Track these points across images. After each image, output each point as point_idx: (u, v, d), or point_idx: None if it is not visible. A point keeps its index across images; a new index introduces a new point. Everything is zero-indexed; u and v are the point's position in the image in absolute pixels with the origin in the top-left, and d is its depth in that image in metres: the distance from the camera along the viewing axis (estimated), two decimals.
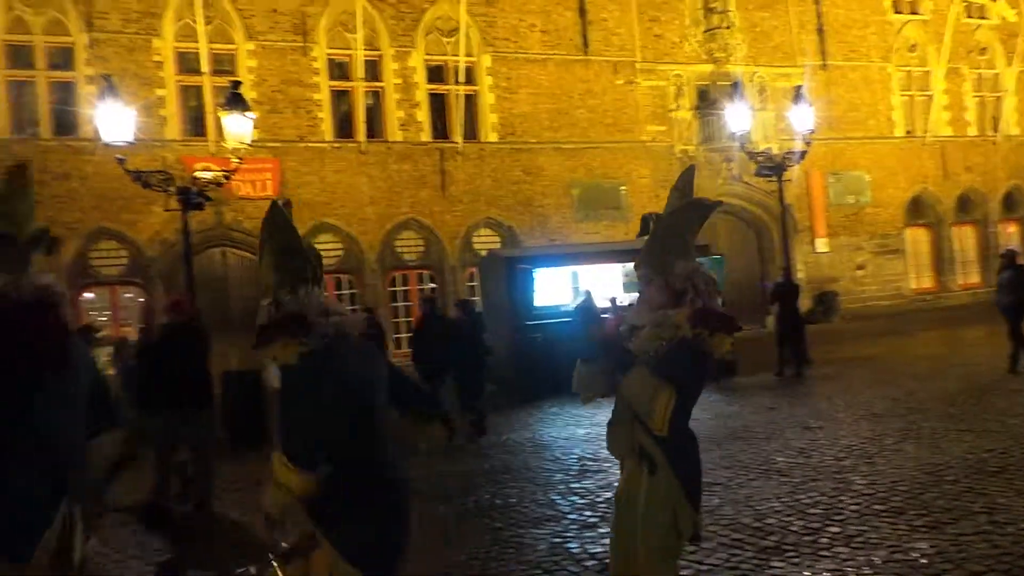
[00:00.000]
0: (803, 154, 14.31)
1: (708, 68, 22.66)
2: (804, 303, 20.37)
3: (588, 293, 10.56)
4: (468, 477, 6.69)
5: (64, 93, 17.75)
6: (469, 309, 10.43)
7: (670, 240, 2.82)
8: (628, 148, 21.92)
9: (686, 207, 2.89)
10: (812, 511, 4.90)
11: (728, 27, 22.73)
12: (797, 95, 14.16)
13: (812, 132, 14.65)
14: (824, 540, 4.37)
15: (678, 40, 22.63)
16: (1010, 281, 9.51)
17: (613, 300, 11.38)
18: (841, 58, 23.93)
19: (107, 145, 11.47)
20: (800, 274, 21.99)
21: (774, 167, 14.08)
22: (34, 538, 2.15)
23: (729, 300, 11.82)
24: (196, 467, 6.20)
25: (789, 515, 4.86)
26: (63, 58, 17.80)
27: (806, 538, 4.43)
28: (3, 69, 17.31)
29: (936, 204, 24.92)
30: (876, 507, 4.85)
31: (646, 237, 3.13)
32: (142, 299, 18.02)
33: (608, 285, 12.24)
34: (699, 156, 22.47)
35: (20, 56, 17.56)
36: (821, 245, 23.33)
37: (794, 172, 17.54)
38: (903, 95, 24.71)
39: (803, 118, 14.15)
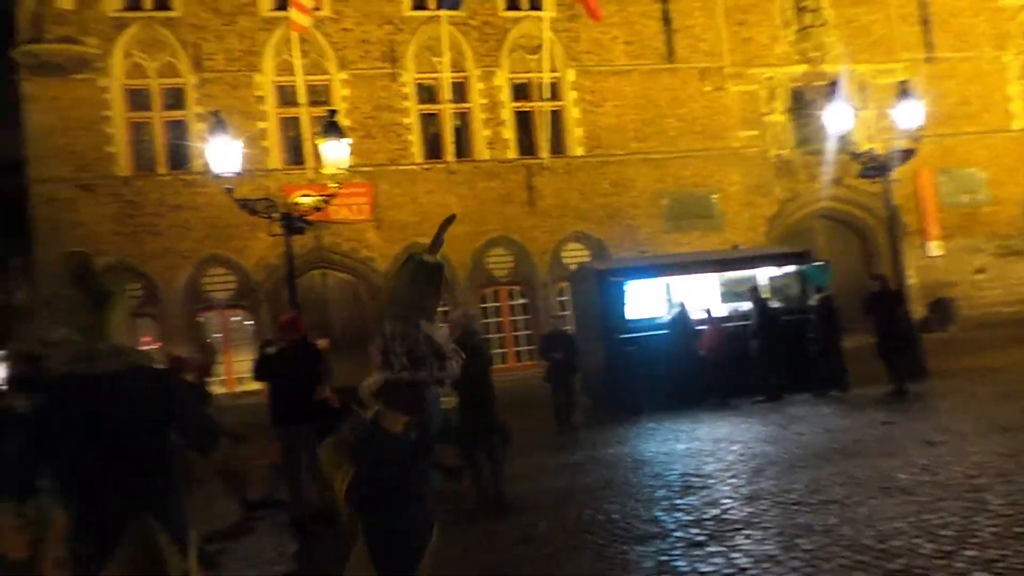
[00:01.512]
0: (910, 152, 13.48)
1: (802, 69, 21.84)
2: (917, 310, 19.16)
3: (682, 304, 10.44)
4: (567, 492, 6.60)
5: (178, 131, 19.06)
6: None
7: (393, 300, 2.62)
8: (719, 155, 21.38)
9: (404, 266, 2.64)
10: (943, 532, 4.53)
11: (822, 24, 21.87)
12: (902, 91, 13.38)
13: (920, 128, 13.79)
14: (960, 564, 4.02)
15: (768, 42, 21.95)
16: None
17: (708, 311, 11.13)
18: (949, 49, 22.51)
19: (216, 177, 12.17)
20: (912, 280, 20.66)
21: (879, 167, 13.33)
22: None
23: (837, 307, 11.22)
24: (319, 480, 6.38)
25: (917, 536, 4.52)
26: (176, 98, 19.15)
27: (938, 561, 4.10)
28: (126, 112, 18.79)
29: None
30: (1016, 529, 4.43)
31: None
32: (249, 321, 18.99)
33: (703, 296, 11.94)
34: (795, 159, 21.66)
35: (139, 99, 19.03)
36: (934, 248, 21.89)
37: (901, 172, 16.56)
38: (1022, 84, 22.96)
39: (910, 115, 13.35)
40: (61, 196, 18.08)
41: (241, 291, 18.92)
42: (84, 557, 2.55)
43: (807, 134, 21.49)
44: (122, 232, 18.19)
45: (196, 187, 18.14)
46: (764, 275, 12.42)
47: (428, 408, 2.53)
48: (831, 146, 18.59)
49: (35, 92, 18.06)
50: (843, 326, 11.11)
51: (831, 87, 14.93)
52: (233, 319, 19.19)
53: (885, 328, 10.43)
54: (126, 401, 2.57)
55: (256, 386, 7.48)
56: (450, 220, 2.71)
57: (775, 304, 11.77)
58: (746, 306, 11.49)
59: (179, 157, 18.81)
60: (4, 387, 2.97)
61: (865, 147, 17.34)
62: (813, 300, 11.20)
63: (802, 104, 21.64)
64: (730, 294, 12.47)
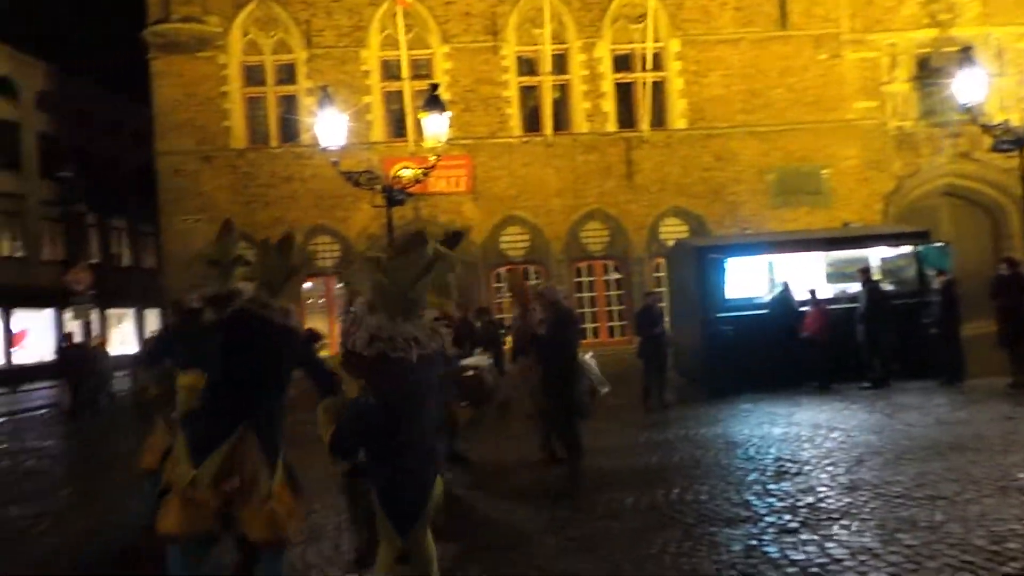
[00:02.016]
0: None
1: (930, 33, 20.23)
2: None
3: (785, 284, 10.02)
4: (656, 471, 6.56)
5: (289, 105, 19.93)
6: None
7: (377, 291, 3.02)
8: (832, 128, 20.23)
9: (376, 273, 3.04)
10: None
11: None
12: None
13: None
14: None
15: (893, 4, 20.44)
16: None
17: (813, 292, 10.60)
18: None
19: (323, 149, 12.68)
20: None
21: (1015, 140, 12.21)
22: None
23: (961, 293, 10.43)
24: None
25: None
26: (287, 74, 19.99)
27: None
28: (242, 87, 19.80)
29: None
30: None
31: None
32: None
33: (808, 276, 11.41)
34: (918, 132, 20.21)
35: (254, 75, 19.99)
36: None
37: None
38: None
39: None
40: (184, 167, 19.35)
41: (344, 259, 19.72)
42: (196, 447, 3.38)
43: (932, 104, 19.97)
44: (237, 201, 19.30)
45: (304, 159, 18.96)
46: (876, 256, 11.73)
47: (393, 379, 2.82)
48: (960, 117, 17.16)
49: (162, 69, 19.31)
50: (962, 312, 10.35)
51: (963, 53, 13.66)
52: (337, 286, 20.03)
53: (1012, 315, 9.63)
54: (269, 343, 3.42)
55: None
56: (459, 236, 3.01)
57: (887, 287, 11.11)
58: (854, 288, 10.91)
59: (289, 131, 19.69)
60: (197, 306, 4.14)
61: (1000, 118, 15.91)
62: (935, 283, 10.47)
63: (928, 72, 20.09)
64: (838, 275, 11.85)
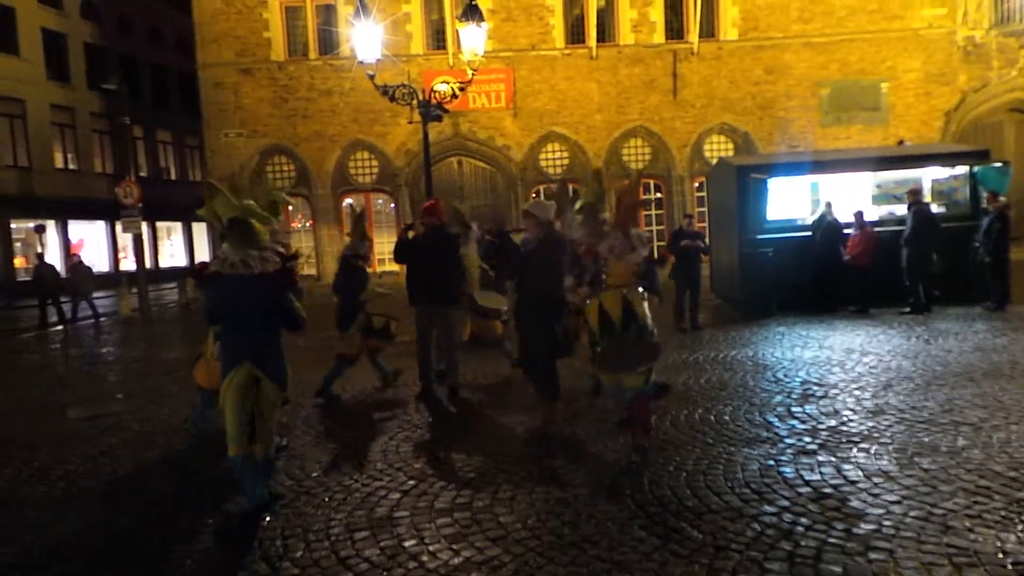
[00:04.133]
0: None
1: None
2: None
3: (829, 205, 9.75)
4: (682, 391, 6.65)
5: (327, 15, 19.55)
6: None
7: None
8: (895, 38, 19.05)
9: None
10: None
11: None
12: None
13: None
14: None
15: None
16: None
17: (859, 214, 10.27)
18: None
19: (360, 63, 12.47)
20: None
21: None
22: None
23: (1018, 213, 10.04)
24: (446, 359, 6.79)
25: None
26: None
27: None
28: None
29: None
30: None
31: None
32: (392, 204, 19.90)
33: (855, 197, 11.05)
34: (988, 43, 18.89)
35: None
36: None
37: None
38: None
39: None
40: (225, 80, 19.33)
41: (383, 175, 19.77)
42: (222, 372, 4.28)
43: (1008, 11, 18.57)
44: (277, 115, 19.33)
45: (343, 72, 18.75)
46: (929, 177, 11.25)
47: (214, 288, 4.14)
48: None
49: None
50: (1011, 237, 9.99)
51: None
52: (377, 201, 20.20)
53: None
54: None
55: (396, 267, 7.90)
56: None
57: (937, 209, 10.71)
58: (903, 210, 10.55)
59: (328, 42, 19.40)
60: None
61: None
62: (989, 206, 10.06)
63: None
64: (886, 196, 11.46)
